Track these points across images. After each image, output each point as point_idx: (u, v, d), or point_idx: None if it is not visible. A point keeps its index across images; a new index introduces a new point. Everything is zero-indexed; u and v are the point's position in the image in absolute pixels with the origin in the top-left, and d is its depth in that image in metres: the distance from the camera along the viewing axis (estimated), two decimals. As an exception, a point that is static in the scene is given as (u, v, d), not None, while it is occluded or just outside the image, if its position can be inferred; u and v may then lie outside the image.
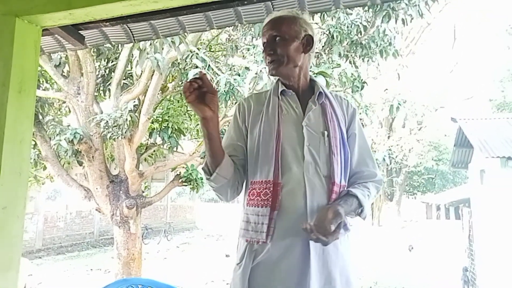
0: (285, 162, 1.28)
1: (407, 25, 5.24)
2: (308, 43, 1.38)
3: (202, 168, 1.32)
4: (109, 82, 5.88)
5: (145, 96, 5.38)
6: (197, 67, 4.65)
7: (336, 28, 5.29)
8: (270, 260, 1.23)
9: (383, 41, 5.55)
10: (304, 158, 1.29)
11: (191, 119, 7.65)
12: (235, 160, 1.35)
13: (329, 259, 1.25)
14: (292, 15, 1.40)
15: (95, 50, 5.44)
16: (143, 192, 6.33)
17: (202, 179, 6.21)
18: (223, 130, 6.18)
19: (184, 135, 6.69)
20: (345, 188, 1.32)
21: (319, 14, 4.80)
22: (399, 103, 6.68)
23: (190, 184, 6.03)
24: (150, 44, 4.29)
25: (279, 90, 1.39)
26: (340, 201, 1.26)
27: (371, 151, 1.46)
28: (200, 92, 1.16)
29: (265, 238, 1.23)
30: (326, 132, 1.32)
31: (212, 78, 4.72)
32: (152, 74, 5.23)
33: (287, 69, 1.37)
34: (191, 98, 1.15)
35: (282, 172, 1.27)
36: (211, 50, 6.93)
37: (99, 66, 6.07)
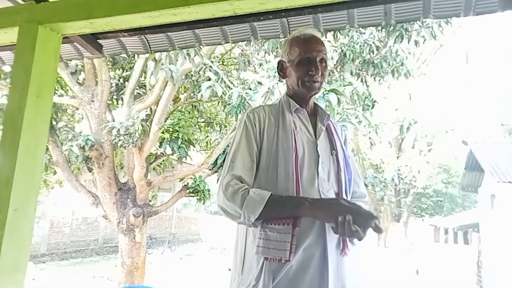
0: (304, 179, 1.30)
1: (419, 46, 5.26)
2: None
3: (249, 203, 1.23)
4: (122, 91, 5.98)
5: (157, 106, 5.45)
6: (210, 79, 4.71)
7: (349, 46, 5.33)
8: (287, 277, 1.22)
9: (395, 61, 5.57)
10: (318, 175, 1.32)
11: (201, 131, 7.71)
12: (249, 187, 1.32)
13: (343, 274, 1.27)
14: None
15: (111, 59, 5.55)
16: (150, 201, 6.34)
17: (209, 190, 6.21)
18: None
19: (194, 146, 6.73)
20: None
21: (332, 32, 4.85)
22: (409, 123, 6.67)
23: (197, 195, 6.04)
24: (166, 55, 4.36)
25: (292, 107, 1.41)
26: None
27: (360, 173, 1.53)
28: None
29: (288, 256, 1.21)
30: (334, 151, 1.40)
31: (225, 91, 4.77)
32: (165, 85, 5.31)
33: (320, 90, 1.46)
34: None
35: (302, 189, 1.28)
36: (224, 63, 7.03)
37: (113, 75, 6.18)
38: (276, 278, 1.21)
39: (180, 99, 6.09)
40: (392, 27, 4.86)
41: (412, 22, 4.69)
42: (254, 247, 1.26)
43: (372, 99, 5.37)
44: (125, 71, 6.22)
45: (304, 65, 1.38)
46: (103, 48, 2.33)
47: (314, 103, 1.50)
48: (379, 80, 5.81)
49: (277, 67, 1.49)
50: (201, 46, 2.73)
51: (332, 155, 1.38)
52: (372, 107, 5.36)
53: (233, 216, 1.27)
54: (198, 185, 6.03)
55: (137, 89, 5.87)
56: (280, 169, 1.29)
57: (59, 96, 5.97)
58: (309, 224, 1.24)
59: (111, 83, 5.88)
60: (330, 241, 1.25)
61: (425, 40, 5.09)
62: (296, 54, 1.39)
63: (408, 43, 5.11)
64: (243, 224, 1.27)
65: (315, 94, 1.44)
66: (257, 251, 1.25)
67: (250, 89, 4.86)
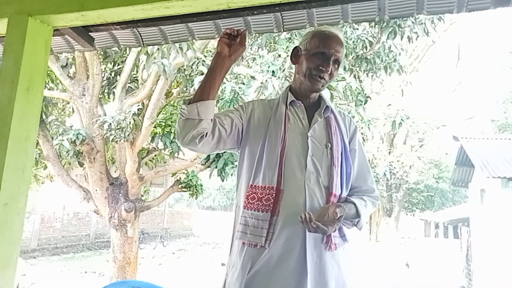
0: (288, 170, 1.31)
1: (412, 42, 5.28)
2: None
3: (184, 99, 1.31)
4: (114, 85, 5.91)
5: (149, 101, 5.40)
6: (202, 73, 4.68)
7: (342, 42, 5.32)
8: (268, 267, 1.25)
9: (388, 57, 5.58)
10: (307, 167, 1.32)
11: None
12: (218, 121, 1.33)
13: (325, 268, 1.28)
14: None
15: (102, 52, 5.48)
16: (142, 196, 6.31)
17: (201, 185, 6.20)
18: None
19: (186, 141, 6.68)
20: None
21: (326, 27, 4.84)
22: (401, 119, 6.71)
23: (190, 190, 6.02)
24: (158, 49, 4.32)
25: (288, 100, 1.42)
26: (340, 203, 1.34)
27: (370, 167, 1.52)
28: (232, 41, 1.28)
29: (263, 243, 1.25)
30: (329, 145, 1.37)
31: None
32: (158, 79, 5.26)
33: (323, 89, 1.46)
34: (224, 38, 1.27)
35: (284, 179, 1.30)
36: (217, 58, 6.97)
37: (105, 68, 6.11)
38: (255, 264, 1.25)
39: (173, 93, 6.05)
40: (385, 23, 4.87)
41: (405, 18, 4.70)
42: (236, 233, 1.33)
43: (365, 94, 5.39)
44: (117, 64, 6.14)
45: (318, 58, 1.39)
46: (95, 41, 2.29)
47: (320, 96, 1.49)
48: (372, 76, 5.82)
49: (292, 52, 1.50)
50: (194, 40, 2.71)
51: (326, 148, 1.37)
52: (365, 103, 5.37)
53: (191, 125, 1.26)
54: (190, 180, 6.01)
55: (129, 83, 5.81)
56: (266, 157, 1.32)
57: (50, 89, 5.89)
58: (288, 215, 1.27)
59: (103, 77, 5.81)
60: (310, 234, 1.26)
61: (418, 36, 5.10)
62: (315, 45, 1.40)
63: (401, 39, 5.12)
64: (184, 112, 1.26)
65: (316, 91, 1.44)
66: (236, 236, 1.32)
67: (243, 83, 4.84)
